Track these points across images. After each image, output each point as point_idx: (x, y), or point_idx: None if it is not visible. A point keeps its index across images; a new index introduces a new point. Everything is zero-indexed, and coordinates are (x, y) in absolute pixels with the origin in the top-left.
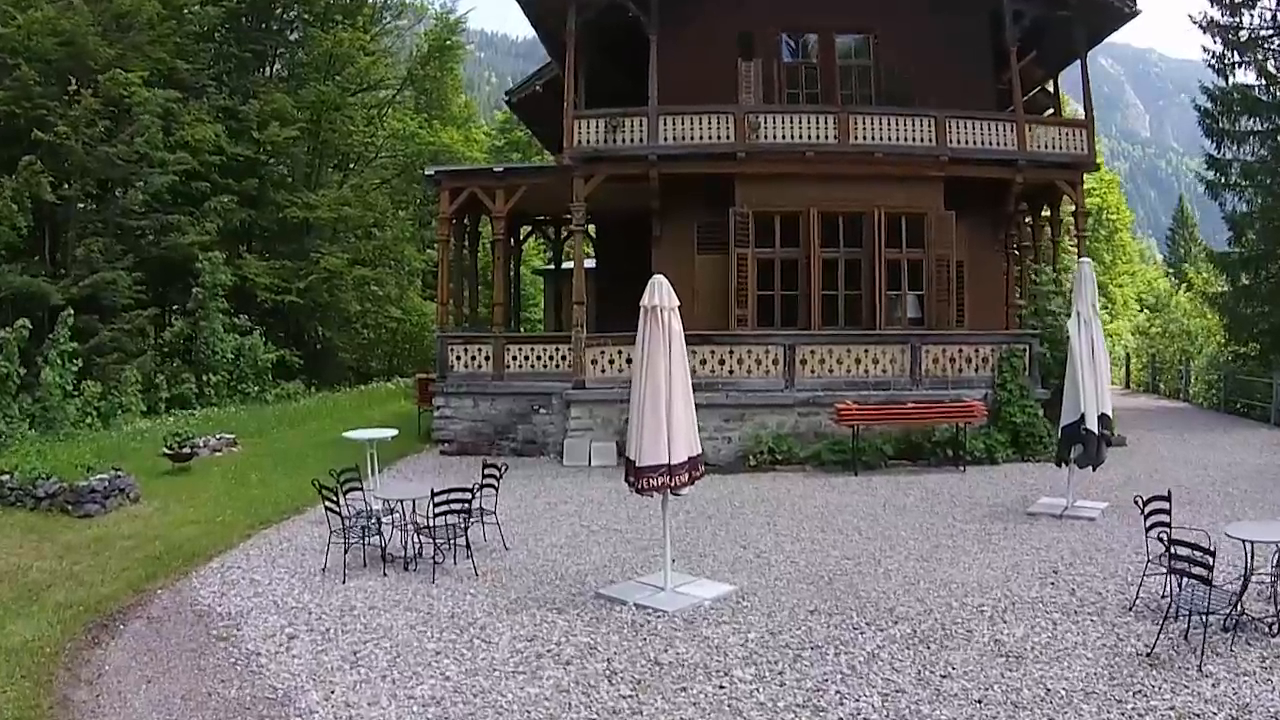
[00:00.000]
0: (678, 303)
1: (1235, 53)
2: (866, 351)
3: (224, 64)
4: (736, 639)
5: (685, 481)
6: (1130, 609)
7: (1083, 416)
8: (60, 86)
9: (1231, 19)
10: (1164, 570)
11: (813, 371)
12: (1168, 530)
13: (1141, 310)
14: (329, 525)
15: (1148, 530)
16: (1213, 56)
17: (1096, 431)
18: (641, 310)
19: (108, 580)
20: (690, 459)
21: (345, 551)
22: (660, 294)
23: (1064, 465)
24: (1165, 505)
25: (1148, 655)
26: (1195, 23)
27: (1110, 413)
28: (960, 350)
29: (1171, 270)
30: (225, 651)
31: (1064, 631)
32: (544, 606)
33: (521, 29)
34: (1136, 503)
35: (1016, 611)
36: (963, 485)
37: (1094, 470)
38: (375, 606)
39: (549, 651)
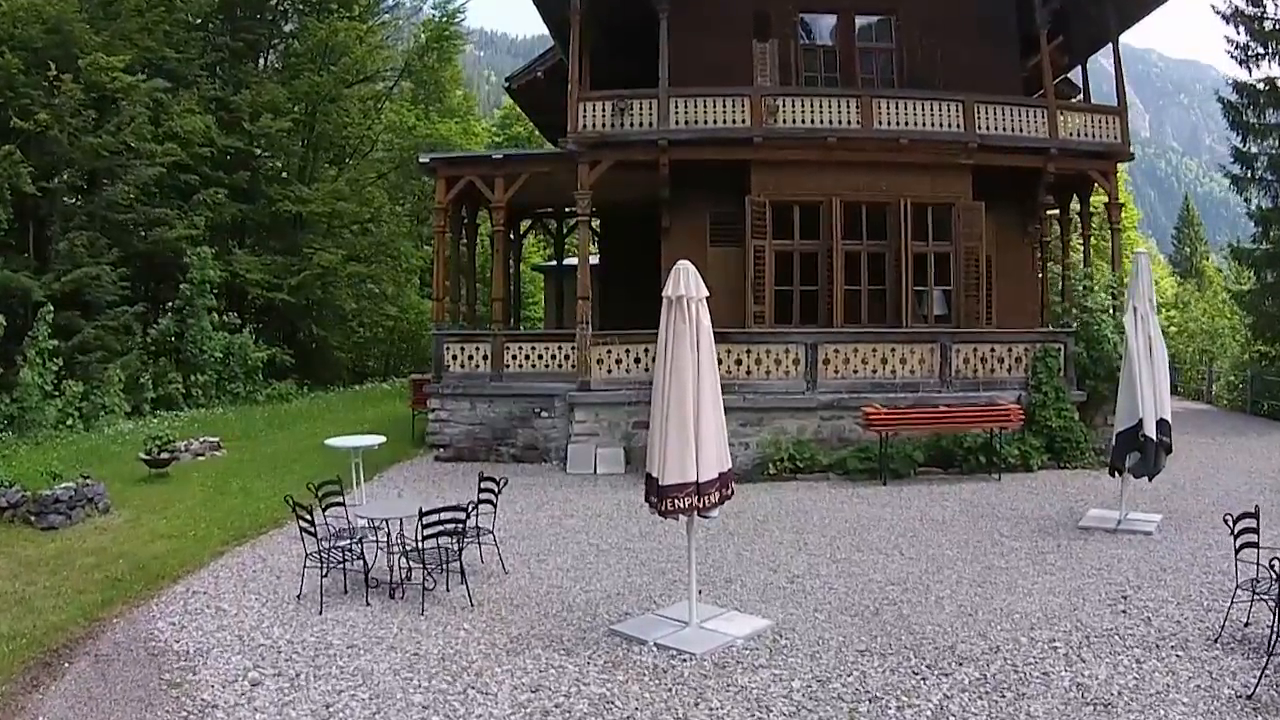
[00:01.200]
0: (706, 293)
1: (1259, 44)
2: (894, 351)
3: (216, 54)
4: (779, 688)
5: (715, 501)
6: (1216, 640)
7: (1140, 422)
8: (45, 75)
9: (1256, 9)
10: (1253, 596)
11: (836, 372)
12: (1269, 551)
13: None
14: (304, 547)
15: (1237, 551)
16: (1236, 47)
17: (1155, 438)
18: (665, 302)
19: (60, 606)
20: (720, 475)
21: (324, 575)
22: (686, 282)
23: (1117, 474)
24: (1254, 524)
25: (1248, 698)
26: (1218, 12)
27: (1169, 417)
28: (992, 350)
29: (1177, 270)
30: (176, 702)
31: (1150, 671)
32: (550, 646)
33: (521, 28)
34: (1226, 522)
35: (1093, 647)
36: (1001, 496)
37: (1150, 480)
38: (355, 644)
39: (557, 706)
